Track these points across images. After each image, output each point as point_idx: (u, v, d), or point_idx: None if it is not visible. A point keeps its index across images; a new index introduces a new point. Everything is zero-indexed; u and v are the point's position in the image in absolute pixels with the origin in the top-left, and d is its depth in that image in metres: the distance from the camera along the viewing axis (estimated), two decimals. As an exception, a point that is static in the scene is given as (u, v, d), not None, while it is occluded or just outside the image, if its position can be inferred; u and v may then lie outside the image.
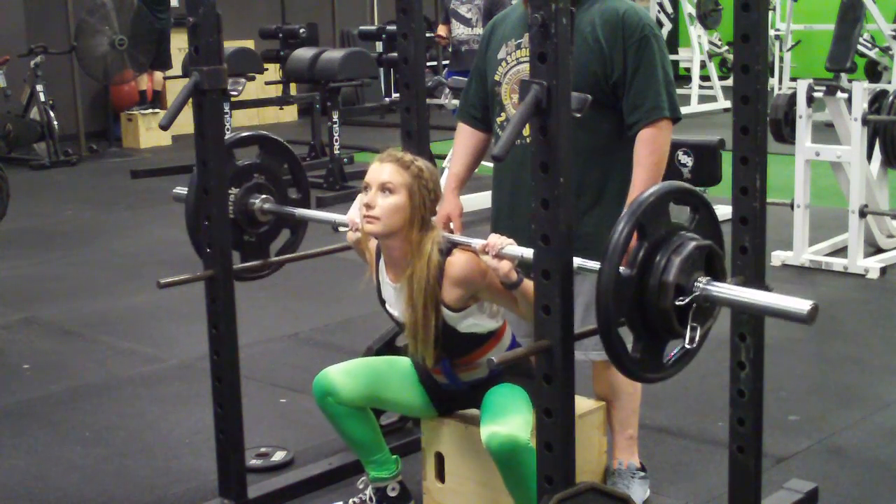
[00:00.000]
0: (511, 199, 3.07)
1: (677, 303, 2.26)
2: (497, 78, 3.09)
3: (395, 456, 3.17)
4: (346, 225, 3.02)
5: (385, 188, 2.74)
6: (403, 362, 3.09)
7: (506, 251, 2.56)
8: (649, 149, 2.92)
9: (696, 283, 2.28)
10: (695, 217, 2.40)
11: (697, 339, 2.33)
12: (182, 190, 3.28)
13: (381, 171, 2.77)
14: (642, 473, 3.24)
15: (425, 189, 2.77)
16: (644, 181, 2.87)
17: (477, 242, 2.68)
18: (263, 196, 3.27)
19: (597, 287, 2.23)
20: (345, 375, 3.02)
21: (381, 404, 3.12)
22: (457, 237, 2.83)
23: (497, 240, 2.59)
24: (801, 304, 2.22)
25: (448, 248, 2.78)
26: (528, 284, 2.50)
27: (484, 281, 2.73)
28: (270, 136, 3.40)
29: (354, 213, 2.91)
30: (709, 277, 2.31)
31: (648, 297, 2.27)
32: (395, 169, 2.76)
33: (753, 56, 2.66)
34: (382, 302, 2.99)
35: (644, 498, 3.21)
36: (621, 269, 2.23)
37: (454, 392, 3.02)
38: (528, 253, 2.45)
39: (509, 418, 2.75)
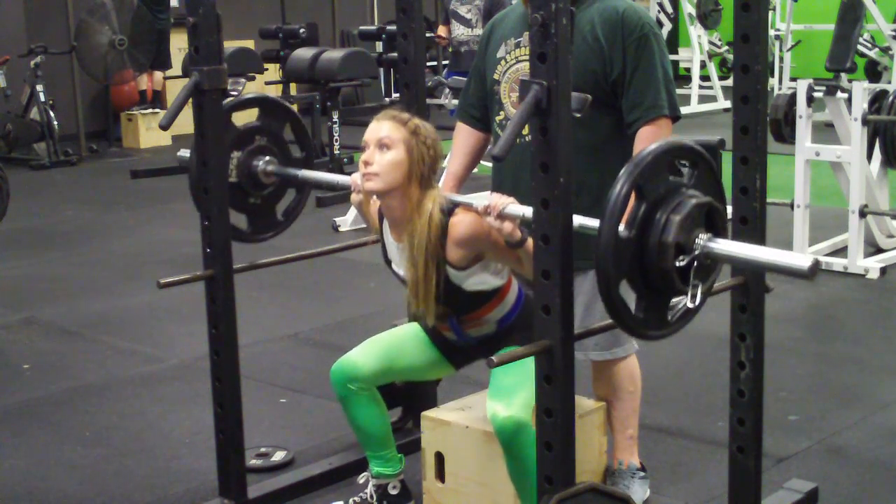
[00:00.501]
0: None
1: (678, 263, 2.23)
2: (496, 77, 3.09)
3: (400, 455, 3.18)
4: (347, 187, 3.01)
5: (382, 144, 2.74)
6: (412, 328, 3.10)
7: (508, 211, 2.55)
8: None
9: (696, 241, 2.26)
10: (694, 173, 2.36)
11: (700, 296, 2.30)
12: (186, 153, 3.26)
13: (378, 128, 2.77)
14: (642, 473, 3.24)
15: (423, 145, 2.77)
16: None
17: (479, 202, 2.66)
18: (267, 158, 3.25)
19: (595, 248, 2.21)
20: (361, 354, 3.05)
21: (401, 373, 3.13)
22: (458, 197, 2.81)
23: (499, 200, 2.57)
24: (803, 260, 2.20)
25: (450, 209, 2.77)
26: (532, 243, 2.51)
27: (488, 241, 2.72)
28: (271, 98, 3.38)
29: (357, 175, 2.91)
30: (710, 234, 2.28)
31: (649, 257, 2.24)
32: (393, 125, 2.76)
33: (753, 56, 2.66)
34: (388, 262, 2.99)
35: (644, 498, 3.21)
36: (620, 229, 2.20)
37: (465, 346, 3.02)
38: (529, 212, 2.43)
39: (514, 396, 2.75)
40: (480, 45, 3.22)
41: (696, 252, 2.25)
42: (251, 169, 3.23)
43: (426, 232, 2.74)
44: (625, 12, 2.93)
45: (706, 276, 2.31)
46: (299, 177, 3.28)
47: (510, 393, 2.77)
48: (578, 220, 2.36)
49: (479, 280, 2.83)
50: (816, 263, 2.18)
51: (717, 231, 2.30)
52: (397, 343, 3.10)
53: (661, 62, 2.95)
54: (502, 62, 3.08)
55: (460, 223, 2.74)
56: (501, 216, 2.56)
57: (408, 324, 3.14)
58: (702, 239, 2.26)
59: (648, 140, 2.92)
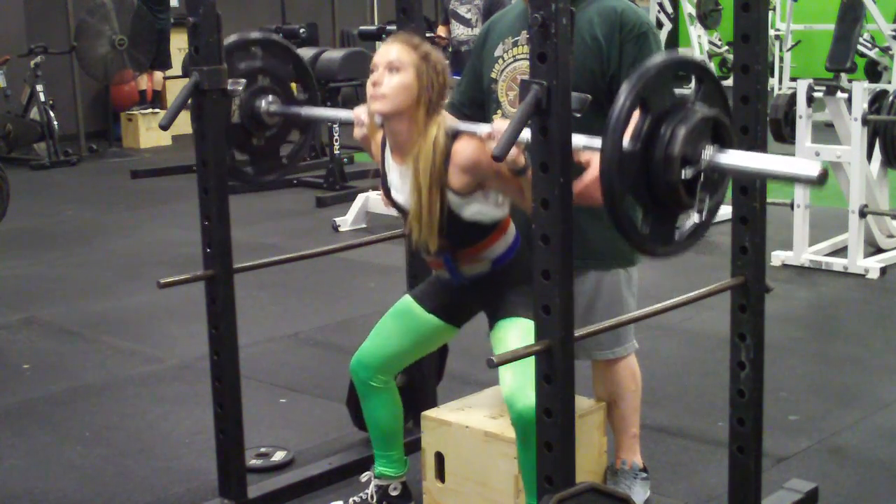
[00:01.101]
0: None
1: (684, 175, 2.21)
2: (493, 76, 3.09)
3: (405, 458, 3.19)
4: (350, 122, 2.98)
5: (392, 67, 2.72)
6: (404, 303, 3.08)
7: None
8: None
9: (702, 154, 2.23)
10: (700, 88, 2.33)
11: (707, 210, 2.27)
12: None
13: (388, 51, 2.75)
14: (644, 475, 3.24)
15: (433, 71, 2.75)
16: None
17: (483, 129, 2.66)
18: (269, 98, 3.21)
19: (600, 162, 2.18)
20: (373, 344, 3.04)
21: (413, 350, 3.09)
22: (462, 125, 2.79)
23: (503, 125, 2.55)
24: (811, 167, 2.18)
25: (454, 134, 2.75)
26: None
27: (491, 167, 2.69)
28: (274, 39, 3.33)
29: (361, 109, 2.90)
30: (716, 146, 2.26)
31: (655, 171, 2.21)
32: (403, 48, 2.75)
33: (753, 56, 2.66)
34: (387, 191, 2.94)
35: (644, 498, 3.21)
36: (625, 142, 2.17)
37: (459, 293, 2.97)
38: None
39: (526, 375, 2.68)
40: (476, 44, 3.22)
41: (703, 165, 2.23)
42: (254, 109, 3.19)
43: (431, 157, 2.72)
44: (623, 11, 2.93)
45: (714, 190, 2.28)
46: (302, 114, 3.23)
47: (525, 372, 2.70)
48: (579, 139, 2.33)
49: (478, 209, 2.79)
50: (825, 172, 2.16)
51: (724, 145, 2.28)
52: (399, 323, 3.07)
53: None
54: (500, 61, 3.08)
55: (464, 148, 2.72)
56: None
57: (399, 301, 3.11)
58: (708, 152, 2.23)
59: None
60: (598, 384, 3.24)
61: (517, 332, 2.82)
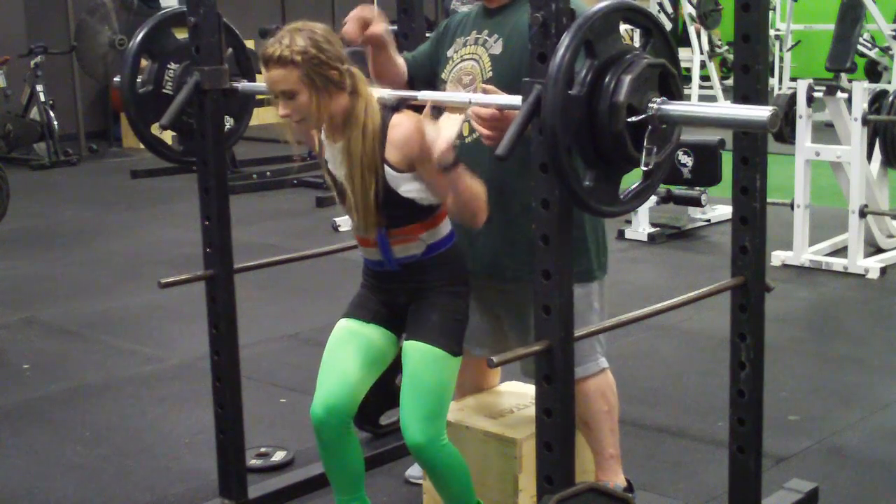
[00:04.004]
0: None
1: (630, 120, 2.11)
2: (443, 76, 2.98)
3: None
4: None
5: (287, 95, 2.64)
6: (341, 326, 2.97)
7: (445, 129, 2.52)
8: None
9: (649, 104, 2.14)
10: (648, 41, 2.25)
11: (654, 162, 2.16)
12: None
13: (271, 79, 2.64)
14: (630, 495, 3.19)
15: (320, 64, 2.63)
16: None
17: (425, 95, 2.63)
18: None
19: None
20: (335, 383, 2.82)
21: (368, 373, 2.86)
22: (401, 92, 2.74)
23: (448, 122, 2.55)
24: (761, 112, 2.10)
25: (395, 106, 2.69)
26: (464, 174, 2.51)
27: (420, 152, 2.62)
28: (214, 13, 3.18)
29: None
30: (664, 97, 2.17)
31: (599, 120, 2.10)
32: (282, 73, 2.62)
33: (753, 56, 2.66)
34: (326, 162, 2.84)
35: None
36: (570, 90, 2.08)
37: (387, 291, 2.86)
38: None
39: (426, 409, 2.68)
40: (435, 35, 3.09)
41: (650, 113, 2.13)
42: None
43: (361, 144, 2.65)
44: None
45: (662, 141, 2.18)
46: (239, 88, 3.09)
47: (421, 400, 2.68)
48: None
49: (415, 187, 2.69)
50: (776, 115, 2.08)
51: (672, 97, 2.19)
52: (347, 347, 2.90)
53: None
54: (450, 61, 2.97)
55: (398, 125, 2.66)
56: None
57: (336, 329, 2.99)
58: (655, 102, 2.15)
59: None
60: None
61: (428, 366, 2.73)
